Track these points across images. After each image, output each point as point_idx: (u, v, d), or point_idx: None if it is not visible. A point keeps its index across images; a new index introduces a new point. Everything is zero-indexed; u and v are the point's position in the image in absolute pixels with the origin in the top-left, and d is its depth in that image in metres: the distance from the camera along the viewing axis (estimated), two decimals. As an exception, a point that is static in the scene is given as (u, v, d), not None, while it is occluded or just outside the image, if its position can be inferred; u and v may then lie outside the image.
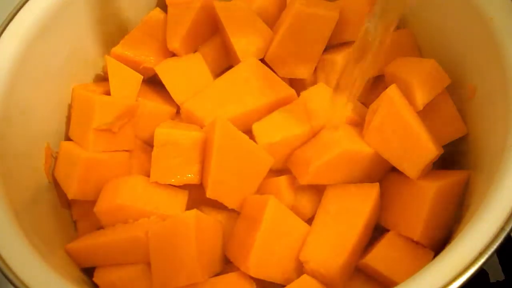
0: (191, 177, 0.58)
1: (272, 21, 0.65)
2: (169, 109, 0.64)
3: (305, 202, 0.57)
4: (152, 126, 0.59)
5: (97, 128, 0.58)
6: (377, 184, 0.55)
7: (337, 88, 0.52)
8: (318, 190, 0.57)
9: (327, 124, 0.57)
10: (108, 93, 0.62)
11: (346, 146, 0.55)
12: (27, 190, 0.56)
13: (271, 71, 0.62)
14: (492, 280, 0.61)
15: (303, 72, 0.64)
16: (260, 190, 0.58)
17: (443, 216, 0.54)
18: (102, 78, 0.67)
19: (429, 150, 0.53)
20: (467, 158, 0.58)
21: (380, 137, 0.55)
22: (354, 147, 0.55)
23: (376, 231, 0.56)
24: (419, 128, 0.53)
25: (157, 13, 0.67)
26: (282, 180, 0.58)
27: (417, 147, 0.53)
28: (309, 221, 0.56)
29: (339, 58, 0.61)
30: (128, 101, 0.61)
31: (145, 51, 0.65)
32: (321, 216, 0.55)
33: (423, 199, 0.53)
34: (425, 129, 0.54)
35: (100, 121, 0.58)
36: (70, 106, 0.64)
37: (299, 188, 0.57)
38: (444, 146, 0.57)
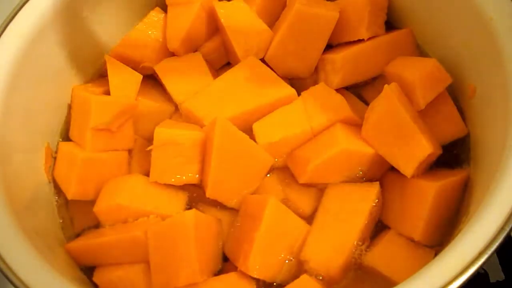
0: (191, 177, 0.58)
1: (272, 21, 0.65)
2: (169, 109, 0.64)
3: (305, 201, 0.57)
4: (152, 125, 0.59)
5: (94, 127, 0.58)
6: (377, 183, 0.55)
7: None
8: (318, 189, 0.57)
9: None
10: (108, 92, 0.62)
11: (344, 145, 0.55)
12: (27, 190, 0.56)
13: (271, 71, 0.62)
14: (492, 280, 0.61)
15: (303, 72, 0.64)
16: (258, 190, 0.58)
17: (443, 216, 0.54)
18: (102, 78, 0.67)
19: (423, 147, 0.52)
20: (467, 158, 0.58)
21: (377, 133, 0.55)
22: (352, 147, 0.55)
23: (377, 228, 0.56)
24: (414, 125, 0.53)
25: (157, 13, 0.67)
26: (280, 179, 0.58)
27: (411, 144, 0.53)
28: (309, 220, 0.56)
29: (339, 58, 0.61)
30: (125, 100, 0.61)
31: (145, 50, 0.65)
32: (321, 216, 0.55)
33: (423, 199, 0.53)
34: (422, 127, 0.54)
35: (97, 121, 0.58)
36: (70, 106, 0.64)
37: (298, 187, 0.57)
38: (444, 146, 0.57)
